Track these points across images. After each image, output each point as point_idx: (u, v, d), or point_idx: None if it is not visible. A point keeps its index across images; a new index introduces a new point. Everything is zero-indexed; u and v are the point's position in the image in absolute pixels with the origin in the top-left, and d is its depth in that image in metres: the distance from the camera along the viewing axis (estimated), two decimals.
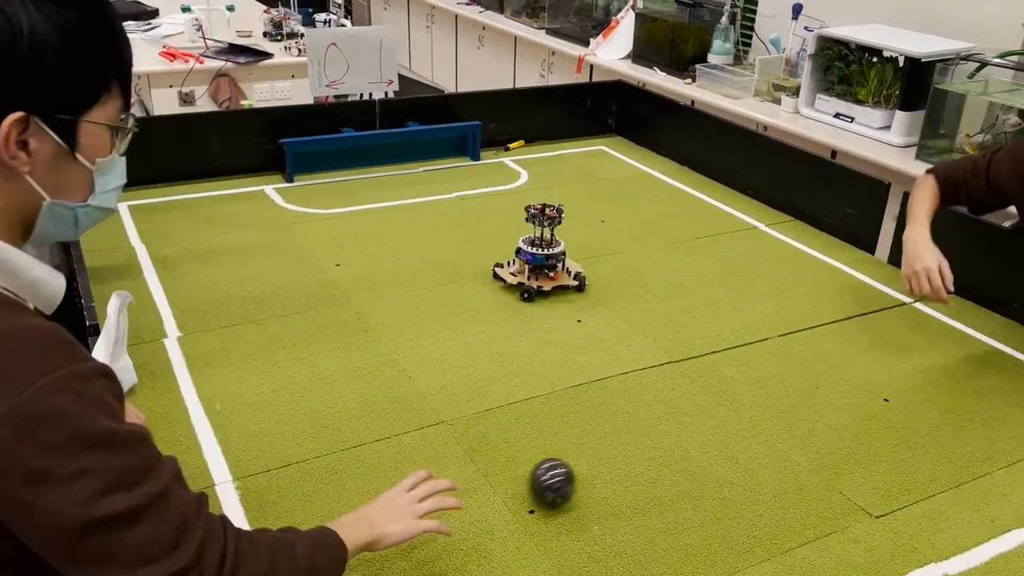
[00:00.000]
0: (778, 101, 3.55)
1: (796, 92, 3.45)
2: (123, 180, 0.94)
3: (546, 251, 1.97)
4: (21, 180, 0.83)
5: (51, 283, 0.87)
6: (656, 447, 1.50)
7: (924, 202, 1.89)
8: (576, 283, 2.02)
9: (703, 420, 1.58)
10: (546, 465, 1.34)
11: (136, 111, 3.64)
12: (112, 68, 0.87)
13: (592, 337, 1.84)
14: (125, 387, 1.53)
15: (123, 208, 2.35)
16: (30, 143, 0.82)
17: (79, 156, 0.86)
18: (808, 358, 1.80)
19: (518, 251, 2.00)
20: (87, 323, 1.56)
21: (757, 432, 1.55)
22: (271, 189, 2.56)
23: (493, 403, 1.60)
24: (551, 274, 2.00)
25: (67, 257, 1.92)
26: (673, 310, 1.97)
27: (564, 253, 2.01)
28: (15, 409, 0.73)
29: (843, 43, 3.25)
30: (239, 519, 1.28)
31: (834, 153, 3.15)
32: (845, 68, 3.26)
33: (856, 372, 1.75)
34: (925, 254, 1.78)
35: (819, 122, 3.33)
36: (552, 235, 1.99)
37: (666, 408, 1.61)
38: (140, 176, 2.48)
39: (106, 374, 0.80)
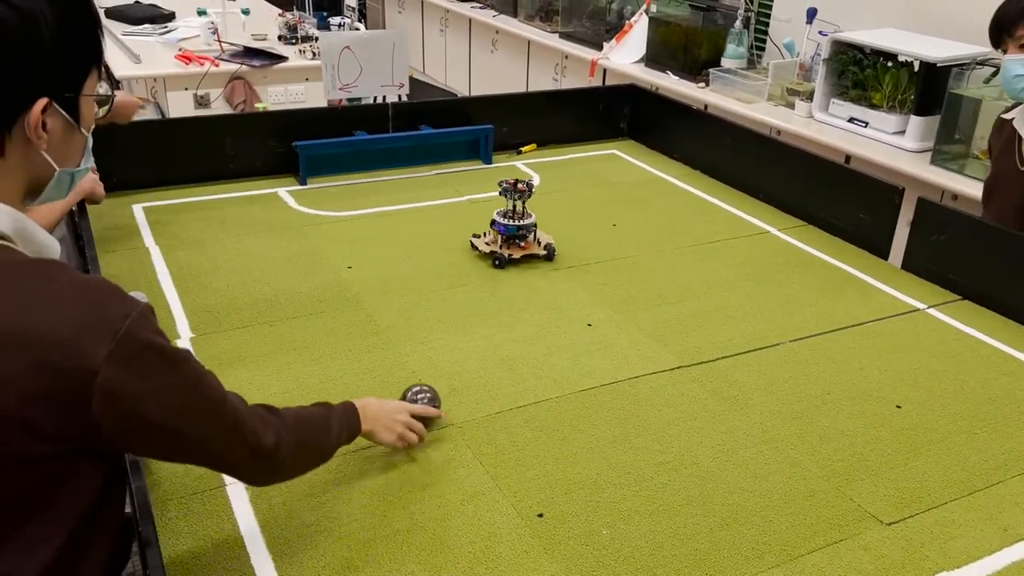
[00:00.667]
0: (792, 105, 3.54)
1: (810, 96, 3.44)
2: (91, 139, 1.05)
3: (517, 222, 2.14)
4: (37, 157, 0.93)
5: (53, 248, 0.97)
6: (665, 452, 1.50)
7: None
8: (545, 252, 2.18)
9: (713, 425, 1.57)
10: (415, 388, 1.54)
11: (153, 113, 3.68)
12: (95, 43, 0.96)
13: (602, 341, 1.84)
14: None
15: (138, 210, 2.37)
16: (48, 122, 0.91)
17: (81, 127, 0.97)
18: (819, 364, 1.79)
19: (492, 223, 2.17)
20: None
21: (767, 438, 1.54)
22: (284, 191, 2.57)
23: (503, 406, 1.60)
24: (522, 244, 2.17)
25: (82, 258, 1.94)
26: (684, 314, 1.96)
27: (535, 225, 2.18)
28: (116, 348, 0.85)
29: (858, 47, 3.23)
30: (249, 520, 1.29)
31: (848, 158, 3.14)
32: (859, 72, 3.25)
33: (868, 378, 1.74)
34: None
35: (833, 127, 3.32)
36: (524, 208, 2.15)
37: (676, 413, 1.61)
38: (155, 178, 2.52)
39: (152, 309, 0.93)
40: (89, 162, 1.02)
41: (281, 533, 1.27)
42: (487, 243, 2.19)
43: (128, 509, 1.10)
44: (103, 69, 0.99)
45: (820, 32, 3.58)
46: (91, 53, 0.96)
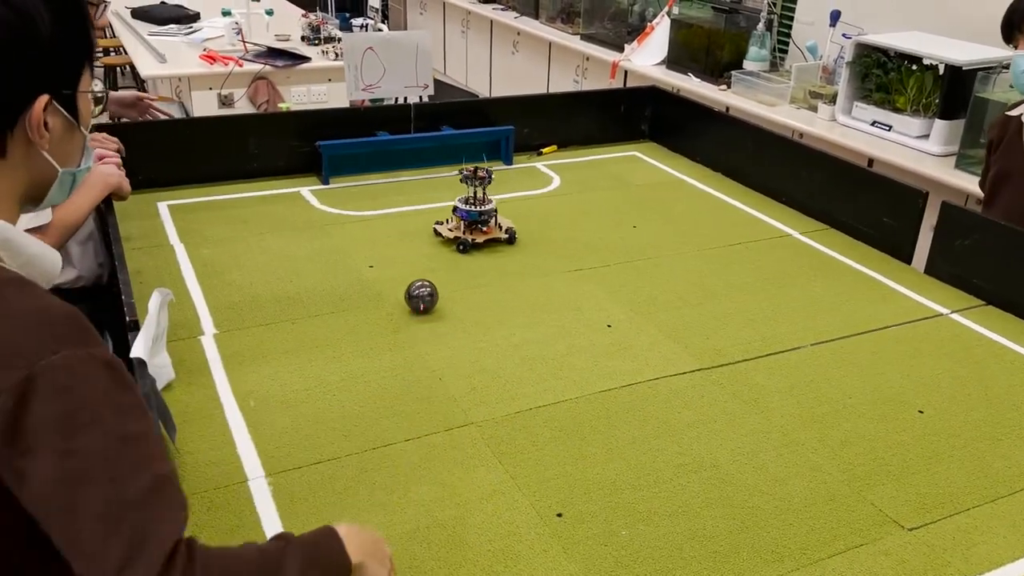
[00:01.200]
0: (814, 108, 3.52)
1: (833, 100, 3.42)
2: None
3: (479, 208, 2.22)
4: (39, 158, 0.90)
5: (48, 258, 0.93)
6: (685, 454, 1.49)
7: None
8: (507, 236, 2.26)
9: (733, 428, 1.57)
10: (417, 283, 1.82)
11: (178, 112, 3.72)
12: (88, 38, 0.94)
13: (622, 342, 1.84)
14: (163, 382, 1.57)
15: (163, 207, 2.39)
16: (48, 122, 0.89)
17: (80, 125, 0.94)
18: (841, 368, 1.78)
19: (455, 209, 2.24)
20: (127, 319, 1.59)
21: (788, 441, 1.54)
22: (307, 191, 2.59)
23: (522, 406, 1.60)
24: (484, 228, 2.24)
25: (109, 255, 1.96)
26: (704, 317, 1.96)
27: (496, 210, 2.26)
28: (22, 383, 0.75)
29: (882, 50, 3.21)
30: (271, 515, 1.30)
31: (871, 161, 3.12)
32: (883, 76, 3.23)
33: (890, 383, 1.73)
34: None
35: (856, 130, 3.30)
36: (484, 194, 2.22)
37: (696, 415, 1.60)
38: (180, 176, 2.55)
39: (113, 364, 0.81)
40: (89, 161, 1.01)
41: (303, 528, 1.26)
42: (450, 229, 2.26)
43: None
44: (92, 63, 0.97)
45: (844, 35, 3.56)
46: (84, 49, 0.94)
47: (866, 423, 1.60)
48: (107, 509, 0.76)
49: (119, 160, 2.11)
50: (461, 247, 2.21)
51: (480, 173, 2.19)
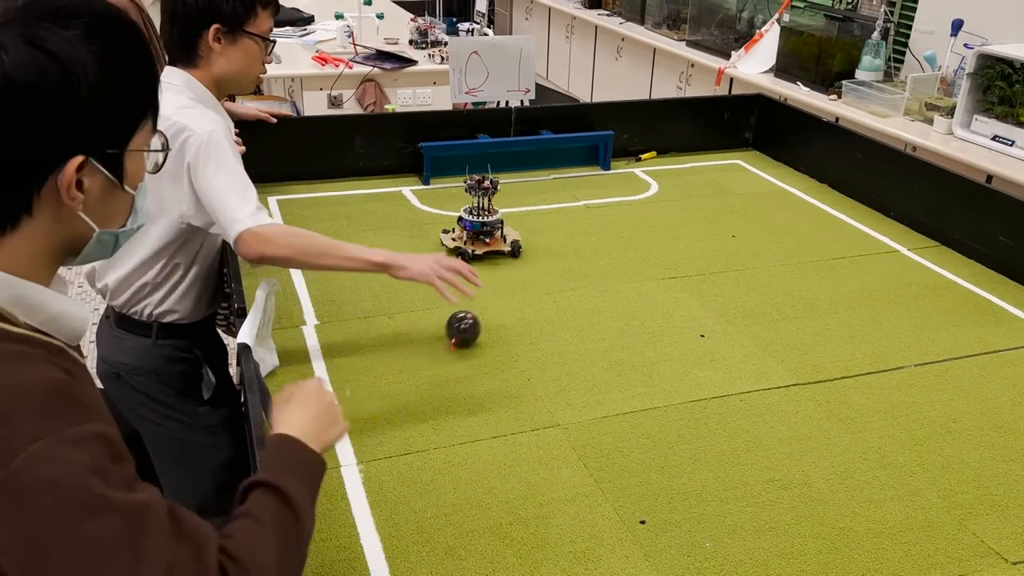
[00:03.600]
0: (930, 121, 3.37)
1: (951, 112, 3.27)
2: (146, 193, 0.93)
3: (483, 219, 2.15)
4: (73, 218, 0.83)
5: (75, 316, 0.86)
6: (776, 469, 1.46)
7: None
8: (510, 249, 2.19)
9: (828, 446, 1.53)
10: (460, 314, 1.75)
11: (288, 110, 3.87)
12: (149, 92, 0.87)
13: (714, 353, 1.81)
14: (267, 369, 1.64)
15: (272, 202, 2.50)
16: (84, 181, 0.82)
17: (125, 186, 0.86)
18: (946, 391, 1.70)
19: (459, 219, 2.18)
20: (235, 305, 1.67)
21: (885, 463, 1.48)
22: (408, 191, 2.66)
23: (609, 411, 1.60)
24: (487, 240, 2.18)
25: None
26: (803, 331, 1.91)
27: (501, 222, 2.19)
28: (6, 480, 0.70)
29: (1007, 61, 3.05)
30: (361, 501, 1.35)
31: (989, 178, 2.97)
32: (1007, 88, 3.07)
33: (1000, 409, 1.65)
34: None
35: (975, 144, 3.15)
36: (490, 205, 2.16)
37: (789, 431, 1.57)
38: (289, 173, 2.65)
39: (101, 436, 0.75)
40: (138, 221, 0.91)
41: (390, 516, 1.32)
42: (453, 239, 2.21)
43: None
44: (156, 117, 0.89)
45: (965, 45, 3.40)
46: (141, 105, 0.86)
47: (971, 449, 1.53)
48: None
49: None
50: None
51: (484, 184, 2.13)
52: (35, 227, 0.82)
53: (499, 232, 2.21)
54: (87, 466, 0.73)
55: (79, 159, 0.80)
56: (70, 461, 0.72)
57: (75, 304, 0.87)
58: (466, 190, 2.16)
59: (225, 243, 1.81)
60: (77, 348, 0.88)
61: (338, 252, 1.60)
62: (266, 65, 1.79)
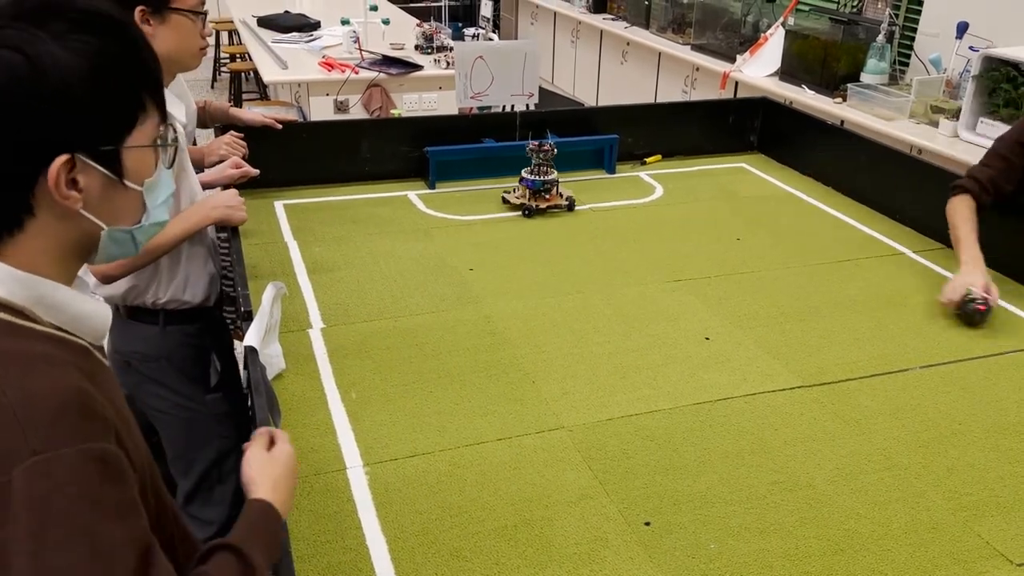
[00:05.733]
0: (935, 124, 3.37)
1: (956, 115, 3.27)
2: (172, 189, 0.92)
3: (542, 178, 2.50)
4: (77, 216, 0.83)
5: (97, 315, 0.87)
6: (780, 471, 1.46)
7: (967, 221, 2.09)
8: (567, 203, 2.54)
9: (833, 448, 1.53)
10: (970, 295, 1.87)
11: (294, 115, 3.88)
12: (144, 87, 0.86)
13: (719, 355, 1.81)
14: (274, 372, 1.65)
15: (279, 206, 2.52)
16: (79, 180, 0.81)
17: (127, 182, 0.85)
18: (952, 393, 1.70)
19: (521, 179, 2.52)
20: (242, 309, 1.68)
21: (890, 465, 1.48)
22: (414, 195, 2.67)
23: (614, 413, 1.61)
24: (547, 196, 2.52)
25: (228, 247, 2.07)
26: (808, 333, 1.91)
27: (557, 180, 2.54)
28: (1, 486, 0.71)
29: (1012, 64, 3.05)
30: (366, 503, 1.36)
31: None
32: (1013, 90, 3.07)
33: (1005, 411, 1.64)
34: (977, 277, 1.97)
35: (980, 147, 3.14)
36: (547, 165, 2.50)
37: (794, 433, 1.57)
38: (295, 178, 2.67)
39: (101, 458, 0.75)
40: (158, 217, 0.90)
41: (395, 517, 1.33)
42: (517, 197, 2.52)
43: None
44: (163, 111, 0.88)
45: (971, 47, 3.40)
46: (133, 100, 0.84)
47: (976, 451, 1.52)
48: None
49: (239, 161, 2.21)
50: (526, 212, 2.48)
51: (544, 147, 2.46)
52: (41, 226, 0.82)
53: (555, 189, 2.53)
54: (78, 493, 0.72)
55: (63, 158, 0.79)
56: (63, 483, 0.72)
57: (97, 303, 0.87)
58: (527, 154, 2.49)
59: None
60: (101, 348, 0.89)
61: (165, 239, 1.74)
62: (205, 38, 1.80)
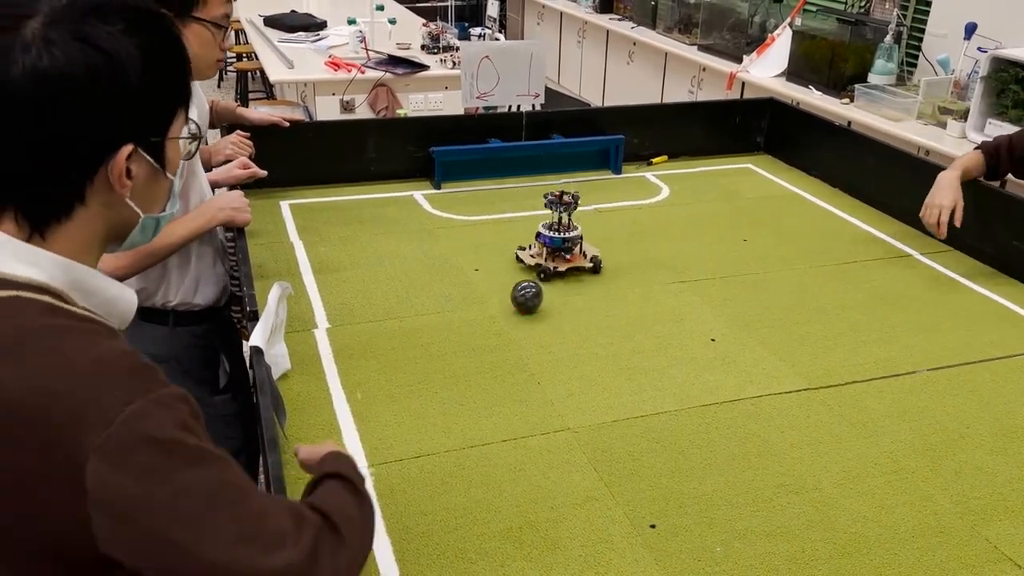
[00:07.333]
0: (943, 125, 3.36)
1: (964, 116, 3.26)
2: (181, 180, 0.98)
3: (563, 235, 2.09)
4: (121, 204, 0.88)
5: (125, 299, 0.91)
6: (787, 474, 1.46)
7: (967, 156, 2.25)
8: (591, 265, 2.13)
9: (839, 451, 1.52)
10: (524, 283, 1.85)
11: (301, 114, 3.89)
12: (183, 83, 0.91)
13: (725, 357, 1.81)
14: (279, 372, 1.65)
15: (284, 206, 2.52)
16: (132, 168, 0.86)
17: (167, 172, 0.91)
18: (960, 395, 1.69)
19: (538, 235, 2.12)
20: (247, 309, 1.68)
21: (897, 468, 1.48)
22: (419, 195, 2.67)
23: (619, 415, 1.60)
24: (567, 256, 2.12)
25: (234, 246, 2.07)
26: (814, 335, 1.90)
27: (581, 237, 2.12)
28: (105, 443, 0.74)
29: (1021, 65, 3.04)
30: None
31: (1004, 182, 2.95)
32: (1021, 92, 3.05)
33: (1013, 414, 1.64)
34: (947, 193, 2.14)
35: None
36: (569, 220, 2.10)
37: (800, 435, 1.56)
38: (301, 177, 2.67)
39: (184, 398, 0.81)
40: (175, 207, 0.97)
41: (400, 518, 1.33)
42: (532, 255, 2.14)
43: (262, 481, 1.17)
44: (187, 106, 0.94)
45: (979, 48, 3.38)
46: (177, 95, 0.91)
47: (984, 455, 1.52)
48: (235, 527, 0.77)
49: (247, 162, 2.21)
50: (542, 275, 2.07)
51: (566, 198, 2.07)
52: (88, 215, 0.86)
53: (579, 248, 2.13)
54: (178, 423, 0.78)
55: (129, 148, 0.85)
56: (164, 419, 0.77)
57: (123, 288, 0.91)
58: (546, 205, 2.09)
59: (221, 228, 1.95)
60: (124, 334, 0.92)
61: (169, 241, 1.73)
62: (224, 50, 1.80)
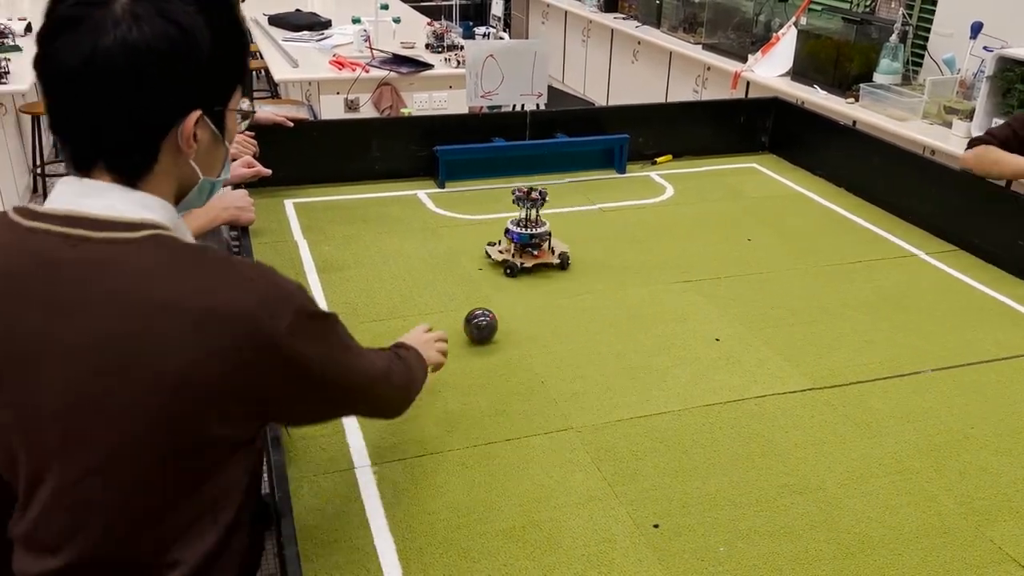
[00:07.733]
0: (949, 124, 3.35)
1: (970, 116, 3.25)
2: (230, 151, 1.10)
3: (531, 231, 2.11)
4: (186, 164, 0.98)
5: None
6: (791, 474, 1.45)
7: (1008, 153, 2.28)
8: (559, 261, 2.15)
9: (843, 451, 1.52)
10: (477, 311, 1.79)
11: (305, 113, 3.89)
12: (243, 59, 1.01)
13: (729, 357, 1.80)
14: None
15: (288, 205, 2.52)
16: (197, 133, 0.96)
17: (226, 140, 1.02)
18: (964, 396, 1.69)
19: (506, 231, 2.14)
20: None
21: (901, 468, 1.47)
22: (423, 194, 2.67)
23: (623, 414, 1.60)
24: (535, 252, 2.14)
25: (238, 245, 2.08)
26: (818, 335, 1.90)
27: (549, 233, 2.14)
28: (295, 320, 0.94)
29: None
30: (374, 503, 1.35)
31: (1009, 182, 2.94)
32: None
33: (1018, 414, 1.63)
34: None
35: None
36: (537, 216, 2.11)
37: (804, 436, 1.56)
38: (305, 176, 2.67)
39: (299, 285, 1.01)
40: (227, 174, 1.08)
41: (404, 517, 1.33)
42: (500, 251, 2.16)
43: (265, 479, 1.17)
44: (244, 82, 1.04)
45: (985, 48, 3.37)
46: (239, 69, 1.01)
47: (988, 456, 1.51)
48: (371, 360, 1.15)
49: (252, 160, 2.22)
50: (509, 271, 2.10)
51: (533, 195, 2.07)
52: (162, 170, 0.97)
53: (547, 244, 2.15)
54: (314, 301, 1.01)
55: (197, 113, 0.95)
56: (312, 299, 1.00)
57: (187, 232, 1.03)
58: (514, 201, 2.10)
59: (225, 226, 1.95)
60: None
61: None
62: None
